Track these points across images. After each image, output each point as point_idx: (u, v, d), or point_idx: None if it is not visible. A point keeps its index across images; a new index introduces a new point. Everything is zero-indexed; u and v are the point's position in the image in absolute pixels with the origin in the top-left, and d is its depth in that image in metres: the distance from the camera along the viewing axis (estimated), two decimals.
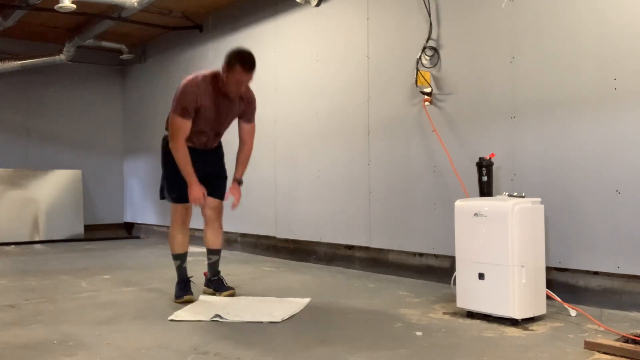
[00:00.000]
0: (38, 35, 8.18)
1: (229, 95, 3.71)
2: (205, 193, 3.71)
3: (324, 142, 5.54)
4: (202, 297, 3.86)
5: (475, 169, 3.84)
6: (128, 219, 9.24)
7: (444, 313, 3.44)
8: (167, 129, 3.81)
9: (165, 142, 3.84)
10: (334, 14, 5.46)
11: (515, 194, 3.36)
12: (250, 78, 3.65)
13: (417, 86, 4.48)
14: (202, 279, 4.12)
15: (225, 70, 3.59)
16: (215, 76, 3.69)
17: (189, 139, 3.72)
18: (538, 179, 3.82)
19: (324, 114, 5.55)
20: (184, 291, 3.81)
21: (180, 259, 3.92)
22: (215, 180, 3.92)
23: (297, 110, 5.86)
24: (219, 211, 3.96)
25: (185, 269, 3.93)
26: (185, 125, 3.63)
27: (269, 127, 6.20)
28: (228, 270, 5.09)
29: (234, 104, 3.80)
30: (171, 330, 3.11)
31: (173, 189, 3.84)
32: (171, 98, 3.69)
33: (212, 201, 3.88)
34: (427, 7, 4.49)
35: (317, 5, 5.60)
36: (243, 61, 3.55)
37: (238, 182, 3.92)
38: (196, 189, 3.65)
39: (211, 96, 3.68)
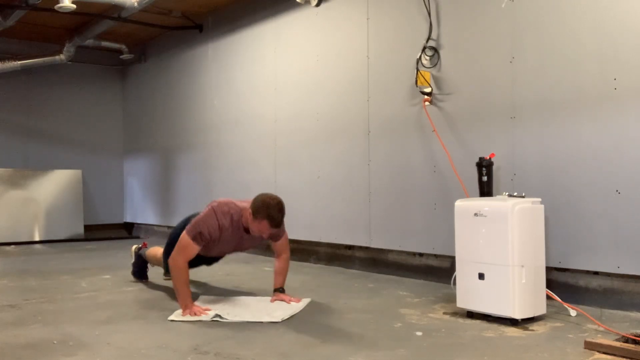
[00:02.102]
0: (38, 35, 8.18)
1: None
2: (204, 309, 3.45)
3: (324, 142, 5.54)
4: (203, 297, 3.86)
5: (475, 169, 3.84)
6: (128, 219, 9.24)
7: (444, 313, 3.43)
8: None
9: (185, 224, 3.71)
10: (334, 14, 5.46)
11: (515, 194, 3.36)
12: (276, 232, 3.50)
13: (417, 86, 4.48)
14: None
15: (251, 216, 3.40)
16: (242, 211, 3.53)
17: (206, 251, 3.63)
18: (538, 179, 3.82)
19: (324, 114, 5.55)
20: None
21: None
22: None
23: (297, 110, 5.86)
24: None
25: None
26: (192, 249, 3.48)
27: (269, 127, 6.21)
28: (228, 270, 5.10)
29: (256, 238, 3.68)
30: (171, 330, 3.11)
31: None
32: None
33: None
34: (427, 7, 4.49)
35: (317, 5, 5.60)
36: (272, 219, 3.37)
37: (279, 291, 3.76)
38: (192, 309, 3.39)
39: (234, 230, 3.55)
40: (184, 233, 3.53)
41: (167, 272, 4.31)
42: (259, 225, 3.40)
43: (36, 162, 8.51)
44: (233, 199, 3.71)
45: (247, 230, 3.55)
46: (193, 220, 3.57)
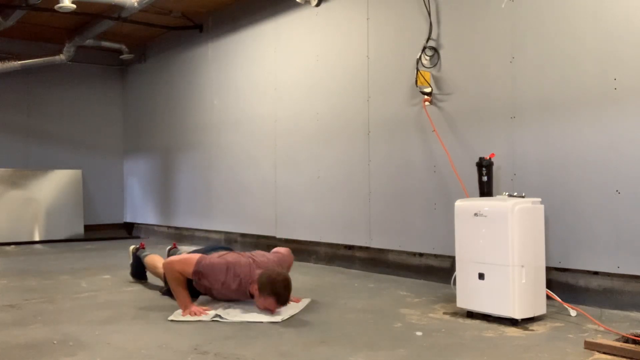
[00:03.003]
0: (38, 35, 8.18)
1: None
2: (204, 309, 3.44)
3: (324, 142, 5.54)
4: (202, 297, 3.86)
5: (475, 169, 3.84)
6: (128, 219, 9.24)
7: (444, 313, 3.43)
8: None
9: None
10: (334, 14, 5.46)
11: (515, 194, 3.36)
12: (281, 307, 3.40)
13: (417, 86, 4.48)
14: None
15: (257, 291, 3.34)
16: (251, 282, 3.43)
17: (206, 289, 3.61)
18: (538, 179, 3.82)
19: (324, 114, 5.55)
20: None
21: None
22: None
23: (297, 110, 5.86)
24: None
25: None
26: (186, 273, 3.47)
27: (269, 127, 6.21)
28: None
29: None
30: (171, 330, 3.11)
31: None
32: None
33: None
34: (427, 7, 4.49)
35: (317, 5, 5.60)
36: (278, 296, 3.28)
37: None
38: (192, 309, 3.40)
39: (239, 294, 3.50)
40: (196, 255, 3.53)
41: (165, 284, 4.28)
42: (265, 302, 3.33)
43: (36, 162, 8.51)
44: (258, 256, 3.59)
45: (253, 296, 3.47)
46: (210, 260, 3.49)
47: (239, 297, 3.53)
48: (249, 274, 3.45)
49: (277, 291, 3.27)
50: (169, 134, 8.08)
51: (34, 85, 8.54)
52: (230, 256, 3.56)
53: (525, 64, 3.91)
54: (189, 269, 3.47)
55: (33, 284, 4.57)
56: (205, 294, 3.70)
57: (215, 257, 3.55)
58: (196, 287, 3.60)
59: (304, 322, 3.27)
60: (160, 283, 4.26)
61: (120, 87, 9.34)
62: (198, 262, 3.47)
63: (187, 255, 3.62)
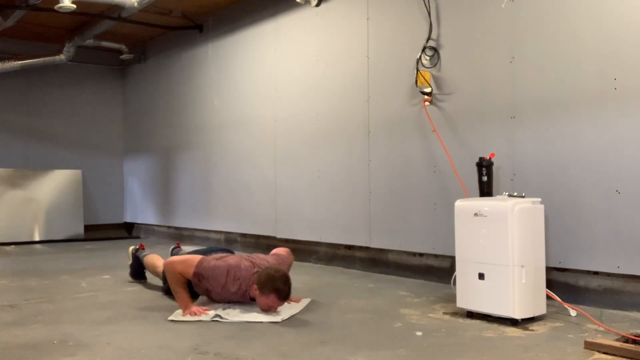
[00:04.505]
0: (38, 35, 8.18)
1: None
2: (204, 309, 3.44)
3: (324, 142, 5.54)
4: (203, 297, 3.86)
5: (475, 169, 3.84)
6: (128, 219, 9.24)
7: (444, 313, 3.44)
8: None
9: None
10: (334, 14, 5.46)
11: (515, 194, 3.36)
12: (283, 303, 3.41)
13: (417, 86, 4.48)
14: None
15: (258, 291, 3.34)
16: (251, 283, 3.44)
17: (206, 292, 3.60)
18: (538, 179, 3.82)
19: (324, 114, 5.55)
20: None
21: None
22: None
23: (297, 110, 5.86)
24: None
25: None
26: (186, 274, 3.47)
27: (269, 126, 6.21)
28: None
29: None
30: (171, 330, 3.11)
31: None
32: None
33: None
34: (427, 7, 4.49)
35: (317, 5, 5.60)
36: (279, 291, 3.30)
37: None
38: (192, 309, 3.40)
39: (239, 297, 3.49)
40: (197, 257, 3.53)
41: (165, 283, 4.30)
42: (267, 300, 3.33)
43: (36, 162, 8.51)
44: (258, 260, 3.59)
45: (253, 299, 3.47)
46: (211, 263, 3.49)
47: (238, 299, 3.53)
48: (248, 278, 3.45)
49: (277, 286, 3.28)
50: (169, 134, 8.08)
51: (34, 85, 8.54)
52: (231, 259, 3.56)
53: (525, 64, 3.91)
54: (190, 270, 3.47)
55: (33, 284, 4.57)
56: (204, 295, 3.71)
57: (215, 259, 3.55)
58: (195, 289, 3.59)
59: (304, 322, 3.27)
60: (160, 282, 4.27)
61: (120, 87, 9.34)
62: (199, 264, 3.47)
63: (188, 256, 3.61)
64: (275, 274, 3.32)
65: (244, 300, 3.53)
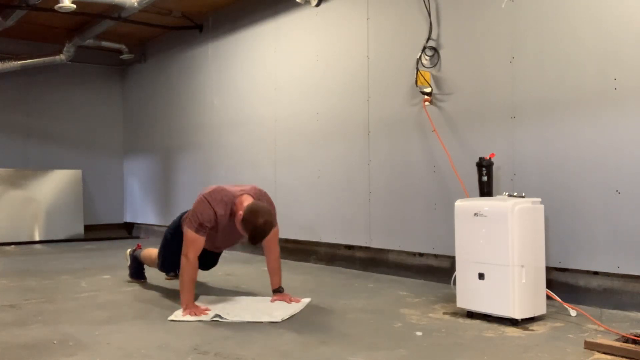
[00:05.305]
0: (38, 35, 8.18)
1: None
2: (204, 309, 3.46)
3: (324, 142, 5.54)
4: (203, 297, 3.86)
5: (475, 169, 3.84)
6: (128, 219, 9.24)
7: (444, 313, 3.44)
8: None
9: (178, 223, 3.84)
10: (334, 14, 5.46)
11: (515, 194, 3.36)
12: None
13: (417, 86, 4.48)
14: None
15: (240, 220, 3.40)
16: (236, 201, 3.52)
17: (210, 243, 3.69)
18: (538, 179, 3.82)
19: (324, 113, 5.55)
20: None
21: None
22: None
23: (297, 110, 5.86)
24: None
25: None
26: (199, 241, 3.49)
27: (269, 126, 6.21)
28: (228, 270, 5.10)
29: None
30: (171, 330, 3.11)
31: (175, 266, 3.86)
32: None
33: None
34: (427, 7, 4.49)
35: (317, 5, 5.60)
36: (253, 238, 3.37)
37: (279, 291, 3.78)
38: (192, 309, 3.41)
39: (230, 218, 3.54)
40: (186, 229, 3.53)
41: (165, 272, 4.32)
42: (242, 232, 3.43)
43: (36, 162, 8.51)
44: (226, 184, 3.72)
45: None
46: (189, 214, 3.59)
47: (232, 223, 3.54)
48: (228, 195, 3.53)
49: (254, 235, 3.34)
50: (169, 134, 8.08)
51: (34, 85, 8.54)
52: (200, 195, 3.59)
53: (525, 64, 3.91)
54: (198, 240, 3.48)
55: (33, 284, 4.57)
56: (217, 249, 3.87)
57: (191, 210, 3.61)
58: (211, 249, 3.73)
59: (304, 322, 3.27)
60: (161, 279, 4.27)
61: (120, 87, 9.34)
62: (192, 226, 3.48)
63: (186, 238, 3.54)
64: (258, 220, 3.32)
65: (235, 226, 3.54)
